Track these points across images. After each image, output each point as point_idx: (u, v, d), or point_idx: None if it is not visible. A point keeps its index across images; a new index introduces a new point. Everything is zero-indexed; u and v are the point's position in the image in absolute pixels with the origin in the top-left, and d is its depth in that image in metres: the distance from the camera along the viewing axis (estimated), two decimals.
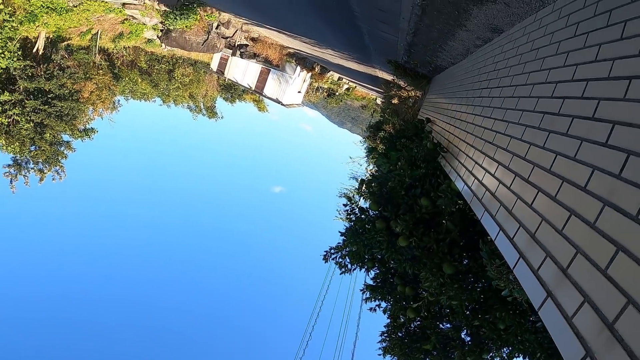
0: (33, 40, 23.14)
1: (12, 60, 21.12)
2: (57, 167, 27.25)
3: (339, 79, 49.02)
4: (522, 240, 2.28)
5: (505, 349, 5.03)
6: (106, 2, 23.17)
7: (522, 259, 2.19)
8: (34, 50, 23.20)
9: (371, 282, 6.71)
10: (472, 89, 5.55)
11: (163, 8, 24.42)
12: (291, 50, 34.74)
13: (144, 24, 26.60)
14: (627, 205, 1.53)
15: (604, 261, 1.51)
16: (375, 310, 6.64)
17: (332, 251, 6.90)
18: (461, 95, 6.17)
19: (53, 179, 27.22)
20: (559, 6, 3.17)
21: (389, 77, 17.07)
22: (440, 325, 5.98)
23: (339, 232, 6.88)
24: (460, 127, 5.33)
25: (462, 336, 5.61)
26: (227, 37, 30.46)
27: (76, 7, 22.22)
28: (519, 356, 4.70)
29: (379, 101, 42.17)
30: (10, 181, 25.60)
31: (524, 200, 2.45)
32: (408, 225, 5.16)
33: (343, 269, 6.69)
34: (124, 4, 24.12)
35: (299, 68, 38.96)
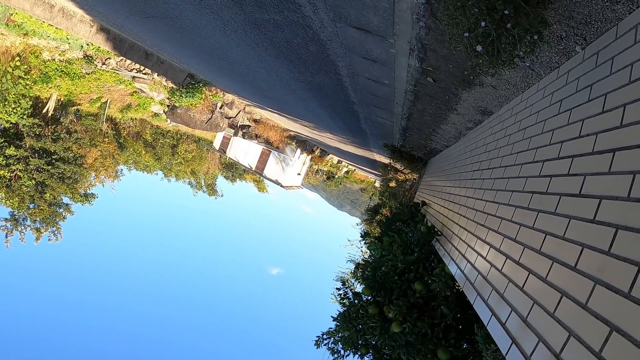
0: (44, 100, 23.83)
1: (23, 117, 21.65)
2: (54, 228, 27.08)
3: (339, 162, 49.93)
4: (514, 324, 2.17)
5: None
6: (117, 73, 24.14)
7: (514, 344, 2.06)
8: (44, 110, 23.83)
9: None
10: (464, 171, 5.59)
11: (170, 85, 25.39)
12: (292, 133, 35.70)
13: (152, 98, 27.54)
14: (619, 282, 1.45)
15: (597, 343, 1.40)
16: None
17: (325, 336, 6.62)
18: (454, 178, 6.21)
19: (49, 240, 26.99)
20: (543, 85, 3.25)
21: (386, 161, 17.36)
22: None
23: (332, 317, 6.65)
24: (453, 210, 5.31)
25: None
26: (230, 117, 31.43)
27: (89, 74, 23.14)
28: None
29: (377, 184, 42.64)
30: (6, 235, 25.39)
31: (515, 283, 2.37)
32: (401, 311, 4.99)
33: (335, 355, 6.36)
34: (134, 77, 25.11)
35: (299, 150, 39.80)
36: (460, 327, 4.94)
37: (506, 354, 2.13)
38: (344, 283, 7.25)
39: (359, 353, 6.19)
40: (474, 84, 4.41)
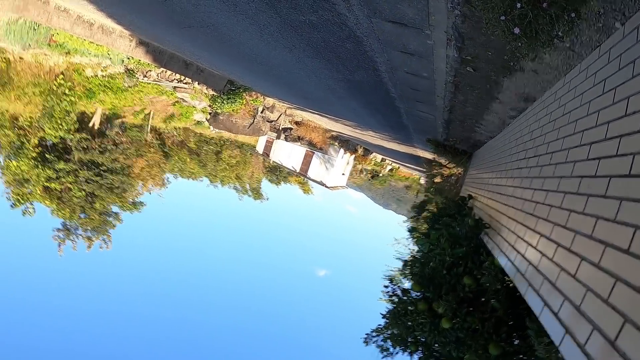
0: (90, 115, 25.00)
1: (69, 132, 22.74)
2: (105, 236, 28.29)
3: (382, 160, 49.61)
4: (567, 314, 2.10)
5: None
6: (159, 84, 24.97)
7: (567, 334, 2.00)
8: (91, 124, 25.03)
9: None
10: (510, 161, 5.45)
11: (211, 92, 26.01)
12: (334, 133, 35.77)
13: (194, 107, 28.34)
14: None
15: None
16: None
17: (374, 334, 6.61)
18: (500, 168, 6.06)
19: (100, 247, 28.22)
20: (585, 66, 3.12)
21: (430, 156, 17.13)
22: None
23: (381, 314, 6.62)
24: (500, 201, 5.18)
25: None
26: (272, 121, 31.84)
27: (131, 87, 24.12)
28: None
29: (422, 181, 42.08)
30: (59, 245, 26.74)
31: (567, 271, 2.30)
32: (451, 306, 4.91)
33: (385, 353, 6.34)
34: (175, 87, 25.91)
35: (342, 150, 39.81)
36: (511, 322, 4.81)
37: (559, 345, 2.06)
38: (391, 280, 7.21)
39: (409, 350, 6.14)
40: (515, 69, 4.28)
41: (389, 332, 6.31)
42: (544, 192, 3.28)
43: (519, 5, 2.14)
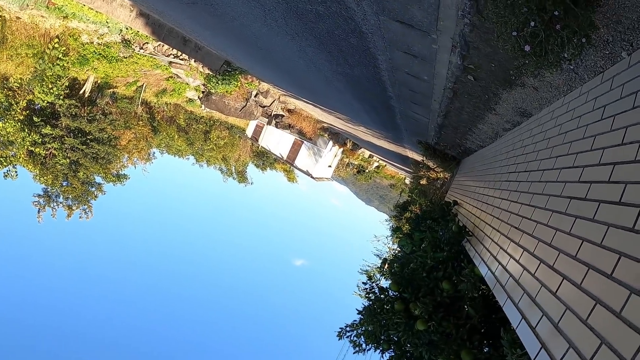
0: (81, 82, 24.51)
1: (60, 97, 22.31)
2: (86, 206, 27.92)
3: (370, 156, 49.69)
4: (544, 329, 2.16)
5: None
6: (154, 58, 24.59)
7: (544, 349, 2.06)
8: (81, 91, 24.51)
9: None
10: (499, 173, 5.52)
11: (207, 71, 25.70)
12: (325, 125, 35.71)
13: (187, 84, 27.96)
14: None
15: (629, 352, 1.40)
16: None
17: (348, 329, 6.67)
18: (489, 179, 6.14)
19: (80, 217, 27.86)
20: (586, 89, 3.18)
21: (418, 158, 17.23)
22: None
23: (357, 310, 6.68)
24: (486, 211, 5.25)
25: None
26: (264, 106, 31.64)
27: (126, 58, 23.66)
28: None
29: (407, 181, 42.31)
30: (38, 211, 26.32)
31: (548, 288, 2.36)
32: (427, 309, 4.98)
33: (357, 348, 6.41)
34: (170, 62, 25.51)
35: (331, 142, 39.77)
36: (485, 330, 4.91)
37: (534, 358, 2.12)
38: (370, 278, 7.28)
39: (381, 348, 6.22)
40: (516, 84, 4.33)
41: (363, 328, 6.37)
42: (532, 208, 3.34)
43: (532, 23, 2.17)
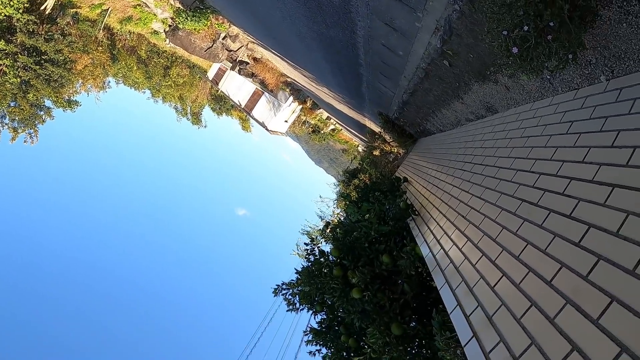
0: None
1: (18, 11, 20.65)
2: (32, 130, 26.53)
3: (327, 118, 49.55)
4: (478, 319, 2.27)
5: None
6: None
7: (475, 338, 2.17)
8: (42, 7, 22.74)
9: (316, 326, 6.59)
10: (455, 160, 5.65)
11: (177, 5, 24.45)
12: (288, 79, 35.12)
13: (155, 15, 26.49)
14: (590, 308, 1.54)
15: (557, 358, 1.50)
16: (314, 354, 6.49)
17: (284, 287, 6.78)
18: (444, 164, 6.28)
19: (25, 141, 26.50)
20: (557, 101, 3.30)
21: (376, 129, 17.36)
22: None
23: (295, 269, 6.79)
24: (436, 194, 5.39)
25: None
26: (231, 50, 30.58)
27: None
28: None
29: (360, 149, 42.69)
30: None
31: (486, 281, 2.46)
32: (365, 279, 5.13)
33: (291, 307, 6.56)
34: None
35: (291, 98, 39.31)
36: (416, 307, 5.14)
37: (465, 345, 2.25)
38: (312, 240, 7.37)
39: (314, 310, 6.40)
40: (489, 79, 4.41)
41: (299, 288, 6.50)
42: (482, 201, 3.46)
43: (526, 28, 2.20)
